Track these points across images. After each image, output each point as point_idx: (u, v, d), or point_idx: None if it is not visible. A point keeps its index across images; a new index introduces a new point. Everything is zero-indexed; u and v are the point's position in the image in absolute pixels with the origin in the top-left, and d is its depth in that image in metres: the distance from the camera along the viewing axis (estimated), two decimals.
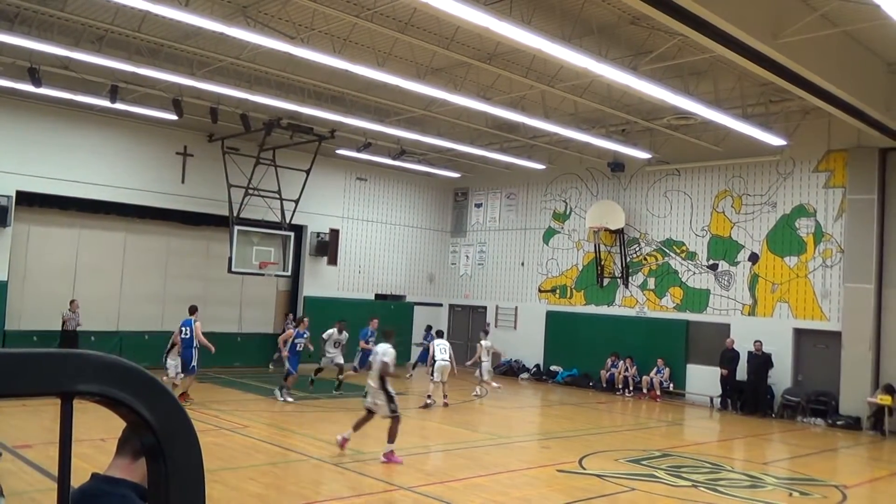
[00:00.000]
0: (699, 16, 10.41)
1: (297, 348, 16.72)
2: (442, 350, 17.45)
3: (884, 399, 16.72)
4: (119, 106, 17.83)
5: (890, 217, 17.60)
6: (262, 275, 21.65)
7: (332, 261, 24.34)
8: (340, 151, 22.93)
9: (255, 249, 20.81)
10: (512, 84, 16.23)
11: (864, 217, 17.67)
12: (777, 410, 18.52)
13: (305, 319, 17.70)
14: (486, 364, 19.20)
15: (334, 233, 24.46)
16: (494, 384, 19.53)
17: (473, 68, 15.31)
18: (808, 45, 12.18)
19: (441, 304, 27.69)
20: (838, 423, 17.25)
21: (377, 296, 25.90)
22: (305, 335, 16.97)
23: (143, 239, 21.35)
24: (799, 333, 18.89)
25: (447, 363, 17.23)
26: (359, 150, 22.32)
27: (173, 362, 15.24)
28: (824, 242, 18.53)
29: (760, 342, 18.72)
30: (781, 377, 18.75)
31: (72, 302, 18.77)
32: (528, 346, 24.43)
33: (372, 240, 25.77)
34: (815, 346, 18.66)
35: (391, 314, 25.57)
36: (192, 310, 15.48)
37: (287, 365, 16.55)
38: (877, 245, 17.54)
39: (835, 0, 11.15)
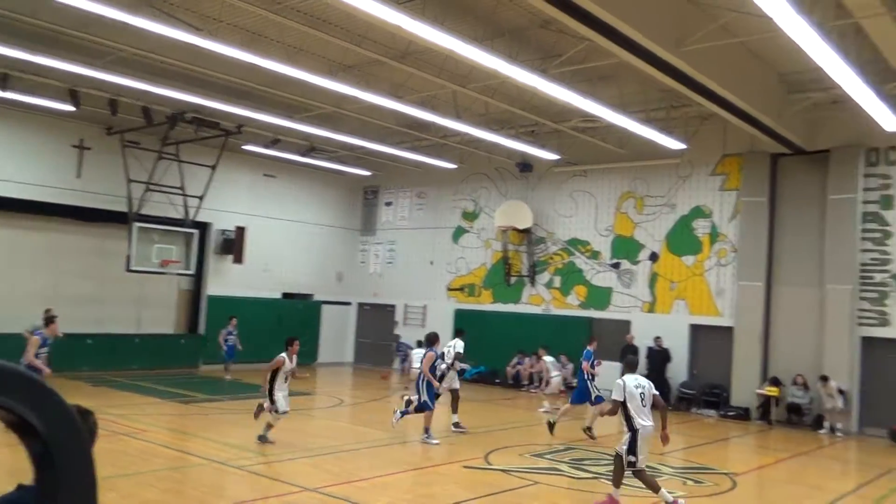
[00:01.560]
0: (606, 22, 10.71)
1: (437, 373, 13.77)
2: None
3: (771, 390, 17.66)
4: (9, 95, 16.82)
5: (780, 219, 18.58)
6: (164, 273, 20.92)
7: (238, 259, 23.75)
8: (248, 147, 22.40)
9: (155, 247, 20.08)
10: (424, 83, 16.26)
11: (756, 218, 18.60)
12: (674, 403, 19.25)
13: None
14: (557, 379, 18.17)
15: (240, 230, 23.87)
16: (551, 406, 17.20)
17: (385, 66, 15.24)
18: (708, 55, 12.71)
19: (350, 303, 27.47)
20: (729, 413, 18.10)
21: (284, 295, 25.46)
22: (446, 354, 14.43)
23: (32, 236, 20.23)
24: (695, 329, 19.72)
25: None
26: (267, 147, 21.87)
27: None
28: (719, 242, 19.39)
29: (660, 338, 19.46)
30: (678, 371, 19.53)
31: None
32: None
33: (279, 238, 25.29)
34: (709, 341, 19.50)
35: (298, 313, 25.24)
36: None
37: (423, 396, 13.19)
38: (767, 245, 18.50)
39: (733, 12, 11.67)
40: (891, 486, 11.68)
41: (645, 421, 8.72)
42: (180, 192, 20.54)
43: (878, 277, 17.03)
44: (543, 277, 22.72)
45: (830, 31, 11.09)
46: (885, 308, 16.91)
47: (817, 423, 17.09)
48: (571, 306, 22.00)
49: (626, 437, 8.80)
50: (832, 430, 16.67)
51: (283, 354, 12.04)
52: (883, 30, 11.96)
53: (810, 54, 11.23)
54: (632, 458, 8.61)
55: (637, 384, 8.90)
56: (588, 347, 15.31)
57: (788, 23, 9.91)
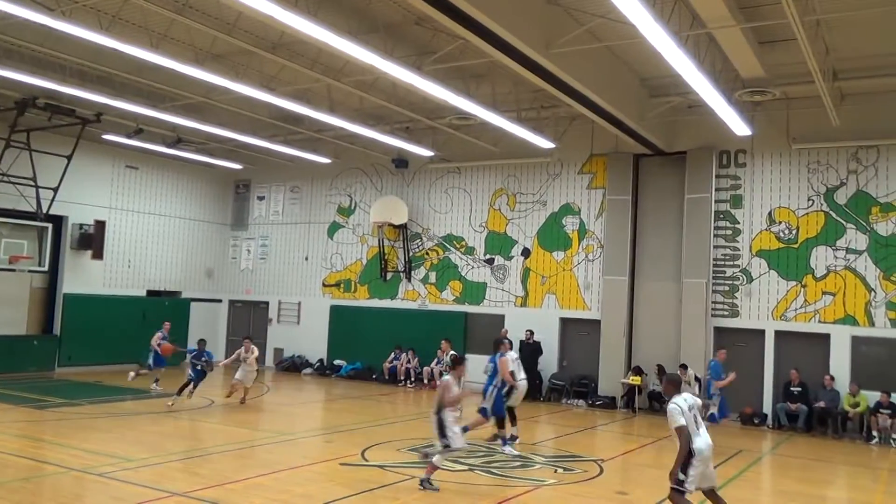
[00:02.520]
0: (480, 22, 10.89)
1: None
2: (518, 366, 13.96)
3: (634, 380, 18.60)
4: None
5: (642, 216, 19.57)
6: (13, 270, 19.48)
7: (98, 255, 22.46)
8: (108, 137, 21.19)
9: (3, 242, 18.67)
10: (297, 75, 15.94)
11: (620, 216, 19.50)
12: (545, 394, 19.92)
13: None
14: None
15: (100, 224, 22.58)
16: None
17: (257, 57, 14.83)
18: (576, 58, 13.19)
19: (220, 301, 26.60)
20: (597, 403, 18.92)
21: (149, 292, 24.31)
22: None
23: None
24: (564, 322, 20.46)
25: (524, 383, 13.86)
26: (129, 136, 20.77)
27: None
28: (587, 239, 20.20)
29: (532, 331, 20.06)
30: (549, 363, 20.20)
31: None
32: (312, 340, 24.21)
33: (144, 232, 24.12)
34: (578, 333, 20.29)
35: (164, 312, 24.16)
36: None
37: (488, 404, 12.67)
38: (631, 241, 19.44)
39: (599, 17, 12.16)
40: (742, 465, 12.56)
41: (700, 442, 7.78)
42: (32, 183, 19.18)
43: (730, 272, 18.28)
44: (419, 273, 22.88)
45: (687, 40, 11.80)
46: (736, 300, 18.18)
47: None
48: (447, 301, 22.27)
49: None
50: None
51: (448, 377, 10.07)
52: (733, 41, 12.84)
53: (669, 61, 11.86)
54: (681, 477, 7.76)
55: (690, 404, 7.93)
56: (714, 359, 13.61)
57: (649, 30, 10.43)
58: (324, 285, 24.62)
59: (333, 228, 24.68)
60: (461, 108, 16.17)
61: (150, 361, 17.67)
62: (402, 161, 22.77)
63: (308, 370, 23.87)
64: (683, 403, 7.81)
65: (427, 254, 22.80)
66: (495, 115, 16.34)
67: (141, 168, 24.02)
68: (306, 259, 25.03)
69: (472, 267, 21.96)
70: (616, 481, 11.11)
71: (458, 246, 22.26)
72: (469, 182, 22.23)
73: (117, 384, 18.26)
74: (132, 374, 17.48)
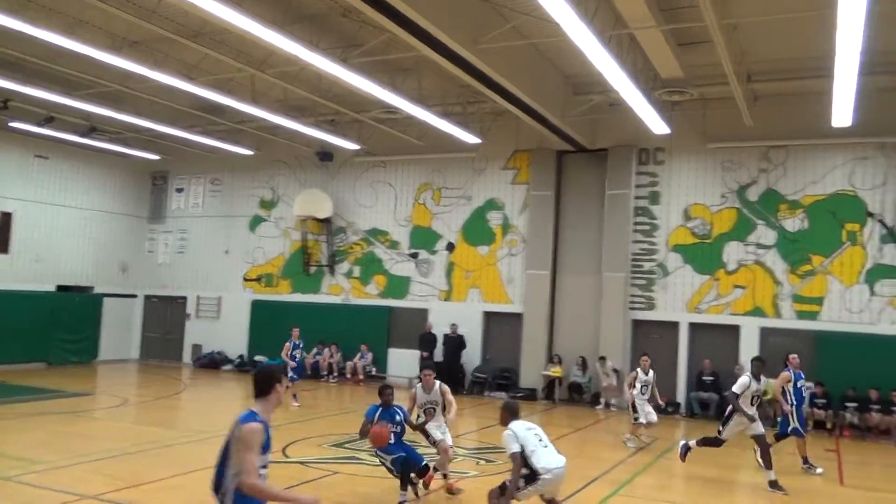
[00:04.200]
0: (407, 15, 10.86)
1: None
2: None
3: (555, 371, 18.96)
4: None
5: (564, 212, 19.94)
6: None
7: (3, 248, 21.40)
8: (16, 124, 20.18)
9: None
10: (219, 65, 15.55)
11: (543, 211, 19.82)
12: (468, 387, 20.10)
13: None
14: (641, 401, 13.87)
15: (6, 216, 21.50)
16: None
17: (177, 45, 14.38)
18: (502, 54, 13.31)
19: (135, 296, 25.74)
20: (518, 395, 19.17)
21: (59, 287, 23.31)
22: None
23: None
24: (488, 316, 20.68)
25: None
26: (40, 125, 19.83)
27: None
28: (510, 233, 20.45)
29: (455, 325, 20.20)
30: (472, 356, 20.39)
31: None
32: (232, 336, 23.72)
33: (54, 225, 23.09)
34: (501, 327, 20.53)
35: (75, 308, 23.25)
36: None
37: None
38: (553, 236, 19.79)
39: (525, 15, 12.30)
40: (656, 453, 12.97)
41: (545, 461, 7.59)
42: None
43: (647, 266, 18.82)
44: (343, 267, 22.70)
45: (609, 40, 12.04)
46: (652, 294, 18.74)
47: (594, 399, 18.60)
48: (371, 296, 22.17)
49: None
50: (607, 405, 18.24)
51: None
52: (653, 41, 13.21)
53: (592, 60, 12.11)
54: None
55: (528, 426, 7.88)
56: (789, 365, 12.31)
57: (573, 29, 10.62)
58: (245, 280, 24.14)
59: (255, 222, 24.22)
60: (387, 102, 16.10)
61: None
62: (326, 154, 22.51)
63: (228, 366, 23.38)
64: (519, 428, 7.71)
65: (351, 248, 22.64)
66: (421, 109, 16.35)
67: (52, 158, 22.97)
68: (227, 253, 24.48)
69: (397, 261, 21.92)
70: None
71: (382, 240, 22.19)
72: (394, 176, 22.17)
73: (23, 383, 17.45)
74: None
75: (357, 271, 22.49)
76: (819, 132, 16.58)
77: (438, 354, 20.44)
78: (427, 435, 9.52)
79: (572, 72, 16.57)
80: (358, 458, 11.31)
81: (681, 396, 18.19)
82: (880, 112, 16.04)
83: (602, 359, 18.33)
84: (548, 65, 16.28)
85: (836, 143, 16.91)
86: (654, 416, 13.66)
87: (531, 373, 19.47)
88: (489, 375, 20.03)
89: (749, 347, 17.60)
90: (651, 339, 18.62)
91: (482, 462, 11.41)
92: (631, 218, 18.93)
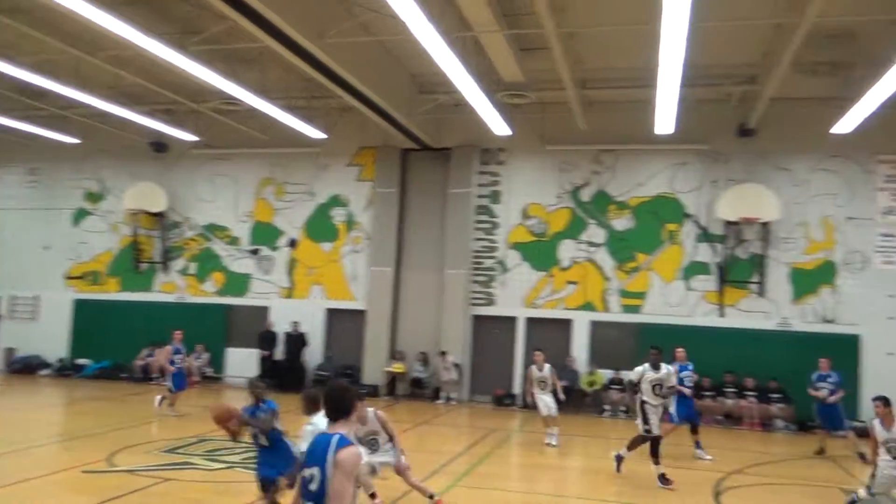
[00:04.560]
0: (250, 4, 10.53)
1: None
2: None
3: (397, 367, 19.11)
4: None
5: (408, 209, 20.12)
6: None
7: None
8: None
9: None
10: (40, 45, 14.33)
11: (387, 208, 19.90)
12: (310, 385, 19.81)
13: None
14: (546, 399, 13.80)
15: None
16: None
17: None
18: (348, 49, 13.23)
19: None
20: (361, 392, 19.09)
21: None
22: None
23: None
24: (331, 313, 20.48)
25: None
26: None
27: None
28: (355, 230, 20.37)
29: (297, 323, 19.85)
30: (314, 354, 20.13)
31: None
32: (51, 338, 21.91)
33: None
34: (344, 324, 20.40)
35: None
36: None
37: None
38: (397, 233, 19.92)
39: (372, 11, 12.28)
40: (493, 443, 13.41)
41: None
42: None
43: (487, 263, 19.40)
44: (178, 264, 21.66)
45: (454, 41, 12.28)
46: (492, 290, 19.34)
47: (435, 394, 18.94)
48: (208, 293, 21.31)
49: None
50: (447, 399, 18.63)
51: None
52: (496, 45, 13.63)
53: (437, 60, 12.31)
54: None
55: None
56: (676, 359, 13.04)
57: (419, 28, 10.75)
58: (67, 278, 22.43)
59: (80, 215, 22.56)
60: (227, 92, 15.52)
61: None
62: (161, 145, 21.38)
63: (45, 371, 21.63)
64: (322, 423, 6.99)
65: (187, 243, 21.64)
66: (264, 101, 15.92)
67: None
68: (46, 249, 22.62)
69: (236, 258, 21.21)
70: None
71: (221, 236, 21.38)
72: (235, 170, 21.42)
73: None
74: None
75: (193, 268, 21.53)
76: (645, 138, 17.77)
77: (279, 353, 20.02)
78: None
79: (418, 71, 16.76)
80: (192, 463, 10.84)
81: (517, 388, 18.90)
82: (698, 121, 17.45)
83: (443, 353, 18.69)
84: (394, 63, 16.37)
85: (660, 148, 18.21)
86: (553, 409, 13.48)
87: (374, 369, 19.51)
88: (331, 373, 19.84)
89: (580, 340, 18.63)
90: (491, 333, 19.24)
91: None
92: (473, 216, 19.43)
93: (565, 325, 18.83)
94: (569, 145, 18.83)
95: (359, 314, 19.98)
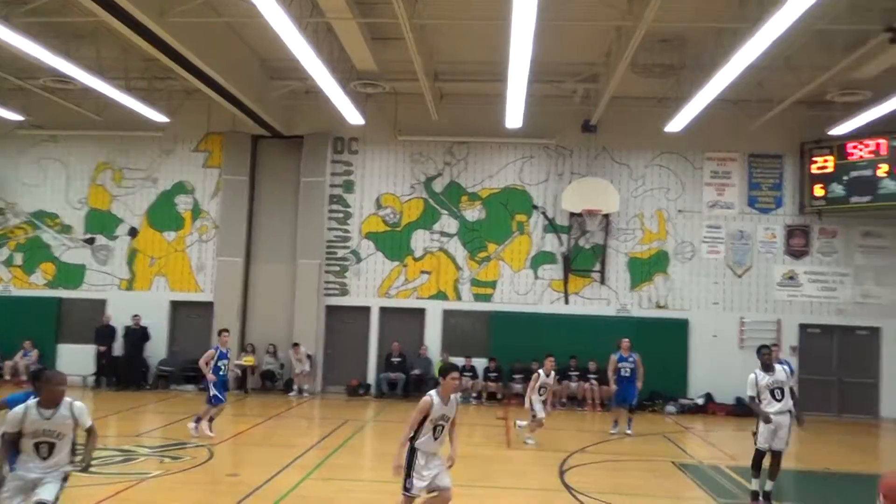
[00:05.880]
0: None
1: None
2: None
3: (247, 360, 18.58)
4: None
5: (259, 198, 19.56)
6: None
7: None
8: None
9: None
10: None
11: (237, 196, 19.25)
12: (152, 382, 18.89)
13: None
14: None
15: None
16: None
17: None
18: (194, 29, 12.64)
19: None
20: (201, 388, 18.45)
21: None
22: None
23: None
24: (175, 305, 19.57)
25: None
26: None
27: None
28: (201, 219, 19.55)
29: (138, 316, 18.81)
30: (157, 349, 19.18)
31: None
32: None
33: None
34: (189, 316, 19.56)
35: None
36: None
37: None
38: (247, 223, 19.32)
39: None
40: (346, 435, 13.35)
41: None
42: None
43: (341, 253, 19.24)
44: (2, 254, 19.91)
45: (306, 27, 12.06)
46: (346, 280, 19.21)
47: (287, 386, 18.59)
48: (37, 286, 19.74)
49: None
50: (300, 391, 18.34)
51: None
52: (349, 33, 13.50)
53: (288, 45, 12.02)
54: None
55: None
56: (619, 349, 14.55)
57: (269, 11, 10.44)
58: None
59: None
60: (58, 70, 14.40)
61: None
62: None
63: None
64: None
65: (12, 232, 19.93)
66: (99, 80, 14.92)
67: None
68: None
69: (69, 247, 19.78)
70: (227, 464, 10.99)
71: (51, 224, 19.85)
72: (67, 153, 19.94)
73: None
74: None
75: (19, 258, 19.86)
76: (495, 132, 18.26)
77: (118, 348, 18.91)
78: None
79: (269, 56, 16.28)
80: None
81: (371, 378, 18.91)
82: (545, 117, 18.14)
83: (295, 345, 18.37)
84: (244, 46, 15.82)
85: (509, 142, 18.77)
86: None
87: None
88: (176, 368, 18.99)
89: (433, 329, 18.91)
90: (345, 324, 19.12)
91: (167, 460, 10.78)
92: (326, 205, 19.19)
93: (419, 314, 19.03)
94: (422, 136, 19.00)
95: (206, 306, 19.20)
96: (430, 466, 6.62)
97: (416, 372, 18.43)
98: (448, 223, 19.15)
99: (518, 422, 13.53)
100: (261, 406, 16.88)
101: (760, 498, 9.13)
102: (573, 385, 17.94)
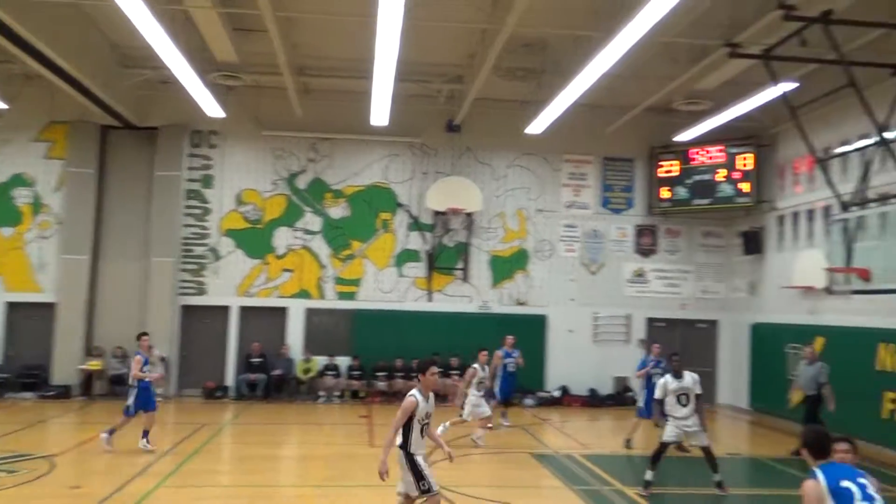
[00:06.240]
0: None
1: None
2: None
3: (93, 364, 17.49)
4: None
5: (108, 192, 18.42)
6: None
7: None
8: None
9: None
10: None
11: (83, 190, 18.04)
12: None
13: None
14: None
15: None
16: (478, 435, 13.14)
17: None
18: (36, 9, 11.76)
19: None
20: (49, 394, 17.25)
21: None
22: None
23: None
24: (12, 307, 18.08)
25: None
26: None
27: None
28: (42, 214, 18.18)
29: None
30: None
31: None
32: None
33: None
34: (28, 319, 18.13)
35: None
36: None
37: None
38: (94, 218, 18.15)
39: None
40: (203, 439, 12.84)
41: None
42: None
43: (198, 250, 18.49)
44: None
45: (162, 13, 11.48)
46: (203, 278, 18.48)
47: None
48: None
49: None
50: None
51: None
52: (209, 22, 12.99)
53: (142, 31, 11.41)
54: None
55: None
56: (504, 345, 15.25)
57: None
58: None
59: None
60: None
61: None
62: None
63: None
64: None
65: None
66: None
67: None
68: None
69: None
70: (69, 476, 10.26)
71: None
72: None
73: None
74: None
75: None
76: (361, 129, 18.15)
77: None
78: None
79: (122, 42, 15.38)
80: None
81: (230, 380, 18.31)
82: (411, 115, 18.23)
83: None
84: (93, 31, 14.83)
85: (375, 139, 18.71)
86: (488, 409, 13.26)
87: (65, 368, 17.60)
88: (12, 374, 17.57)
89: (295, 328, 18.57)
90: (202, 324, 18.40)
91: (2, 474, 9.96)
92: (182, 201, 18.38)
93: (280, 312, 18.62)
94: (285, 131, 18.59)
95: (47, 307, 17.87)
96: (426, 464, 6.77)
97: (278, 372, 18.04)
98: (312, 220, 18.85)
99: (475, 438, 13.09)
100: (108, 413, 15.79)
101: (652, 484, 9.65)
102: (437, 382, 18.11)
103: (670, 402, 10.02)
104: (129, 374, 17.55)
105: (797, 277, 15.82)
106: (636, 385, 14.57)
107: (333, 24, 13.87)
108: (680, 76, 14.39)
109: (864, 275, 11.11)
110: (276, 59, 13.92)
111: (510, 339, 15.18)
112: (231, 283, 18.55)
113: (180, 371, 18.26)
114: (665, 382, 10.15)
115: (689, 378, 10.11)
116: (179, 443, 12.56)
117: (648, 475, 9.81)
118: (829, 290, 12.87)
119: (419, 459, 6.69)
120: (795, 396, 13.68)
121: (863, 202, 11.84)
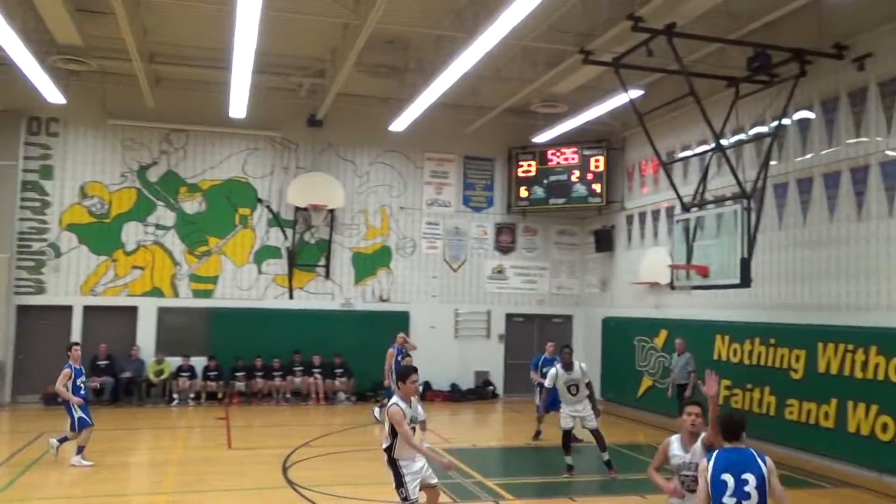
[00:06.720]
0: None
1: None
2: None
3: None
4: None
5: None
6: None
7: None
8: None
9: None
10: None
11: None
12: None
13: None
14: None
15: None
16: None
17: None
18: None
19: None
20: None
21: None
22: None
23: None
24: None
25: None
26: None
27: None
28: None
29: None
30: None
31: None
32: None
33: None
34: None
35: None
36: None
37: None
38: None
39: None
40: (44, 448, 11.97)
41: None
42: None
43: (37, 246, 17.19)
44: None
45: None
46: (42, 276, 17.21)
47: None
48: None
49: None
50: None
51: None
52: (48, 1, 12.09)
53: None
54: None
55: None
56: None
57: None
58: None
59: None
60: None
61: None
62: None
63: None
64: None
65: None
66: None
67: None
68: None
69: None
70: None
71: None
72: None
73: None
74: None
75: None
76: (218, 121, 17.52)
77: None
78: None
79: None
80: None
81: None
82: (271, 109, 17.80)
83: None
84: None
85: (233, 132, 18.12)
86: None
87: None
88: None
89: (147, 328, 17.70)
90: (41, 325, 17.12)
91: None
92: (18, 193, 17.02)
93: (130, 312, 17.66)
94: (135, 121, 17.63)
95: None
96: (415, 463, 6.83)
97: (127, 374, 17.12)
98: (164, 215, 18.00)
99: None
100: None
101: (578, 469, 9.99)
102: (297, 380, 17.84)
103: (562, 391, 10.95)
104: None
105: (644, 274, 16.81)
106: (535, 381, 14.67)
107: (188, 11, 13.26)
108: (537, 79, 14.89)
109: (703, 271, 11.93)
110: (124, 44, 13.17)
111: (400, 336, 15.23)
112: (74, 281, 17.38)
113: (16, 376, 16.91)
114: (556, 373, 11.07)
115: (578, 369, 11.03)
116: (15, 454, 11.66)
117: (568, 460, 10.80)
118: (672, 286, 13.70)
119: (402, 466, 6.78)
120: (671, 388, 14.33)
121: (701, 203, 12.70)
